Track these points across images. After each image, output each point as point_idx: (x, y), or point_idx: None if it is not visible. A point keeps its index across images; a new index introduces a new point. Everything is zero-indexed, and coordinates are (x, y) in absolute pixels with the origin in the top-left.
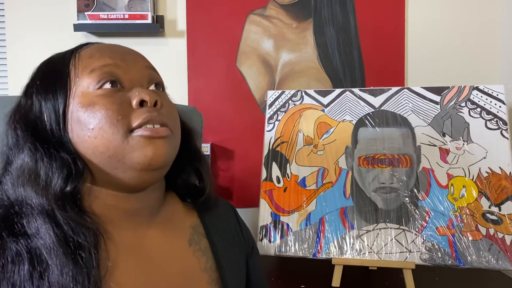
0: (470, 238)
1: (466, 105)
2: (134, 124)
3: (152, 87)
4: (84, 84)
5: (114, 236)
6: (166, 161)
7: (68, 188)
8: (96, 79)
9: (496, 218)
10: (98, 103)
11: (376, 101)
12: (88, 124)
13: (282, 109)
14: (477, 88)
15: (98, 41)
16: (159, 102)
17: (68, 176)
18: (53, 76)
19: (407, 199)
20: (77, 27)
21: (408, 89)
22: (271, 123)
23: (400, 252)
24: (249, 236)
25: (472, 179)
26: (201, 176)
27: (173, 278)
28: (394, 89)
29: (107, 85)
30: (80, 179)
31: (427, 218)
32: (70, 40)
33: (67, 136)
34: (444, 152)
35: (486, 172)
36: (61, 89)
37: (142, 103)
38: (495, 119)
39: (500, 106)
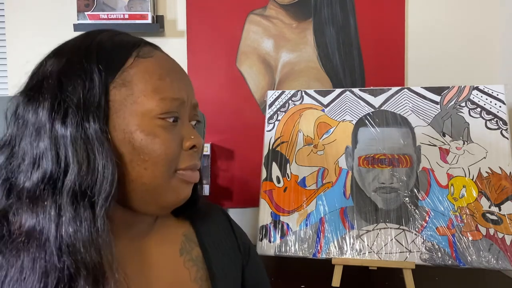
0: (470, 238)
1: (466, 105)
2: (181, 166)
3: (193, 123)
4: (146, 105)
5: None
6: None
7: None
8: (165, 109)
9: (496, 218)
10: (159, 136)
11: (376, 101)
12: (141, 154)
13: (282, 109)
14: (477, 88)
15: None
16: (200, 146)
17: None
18: (113, 57)
19: (407, 199)
20: (77, 27)
21: (408, 89)
22: (271, 123)
23: (400, 252)
24: (245, 242)
25: (472, 179)
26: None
27: None
28: (394, 89)
29: (170, 119)
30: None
31: (427, 218)
32: None
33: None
34: (444, 152)
35: (486, 172)
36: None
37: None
38: (495, 119)
39: (500, 106)
